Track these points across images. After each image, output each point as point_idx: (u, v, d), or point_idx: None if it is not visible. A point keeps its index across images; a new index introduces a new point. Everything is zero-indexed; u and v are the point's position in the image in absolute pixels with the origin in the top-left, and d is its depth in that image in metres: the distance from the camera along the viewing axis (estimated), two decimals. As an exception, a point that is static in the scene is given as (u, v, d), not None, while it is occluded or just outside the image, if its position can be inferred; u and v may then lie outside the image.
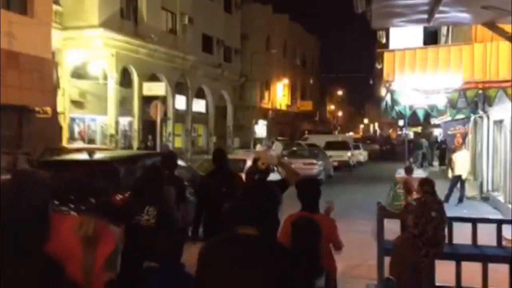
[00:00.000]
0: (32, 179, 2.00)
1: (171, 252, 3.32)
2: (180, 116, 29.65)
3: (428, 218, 4.71)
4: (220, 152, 5.76)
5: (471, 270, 5.71)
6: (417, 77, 9.37)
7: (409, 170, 11.00)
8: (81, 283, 2.06)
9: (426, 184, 5.10)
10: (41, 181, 2.00)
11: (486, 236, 5.91)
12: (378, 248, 5.38)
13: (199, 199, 5.51)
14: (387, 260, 5.47)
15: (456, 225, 5.78)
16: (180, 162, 7.76)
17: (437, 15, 5.10)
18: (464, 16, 5.34)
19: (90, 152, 6.66)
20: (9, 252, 1.83)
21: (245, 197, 2.25)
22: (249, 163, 11.62)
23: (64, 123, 21.67)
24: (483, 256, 5.15)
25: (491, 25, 5.66)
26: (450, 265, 5.48)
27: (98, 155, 6.72)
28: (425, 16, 5.26)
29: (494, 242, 5.54)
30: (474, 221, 5.56)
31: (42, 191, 1.99)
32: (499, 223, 5.50)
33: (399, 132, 69.70)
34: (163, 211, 4.00)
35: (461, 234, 5.93)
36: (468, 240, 5.78)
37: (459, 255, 5.21)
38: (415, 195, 6.87)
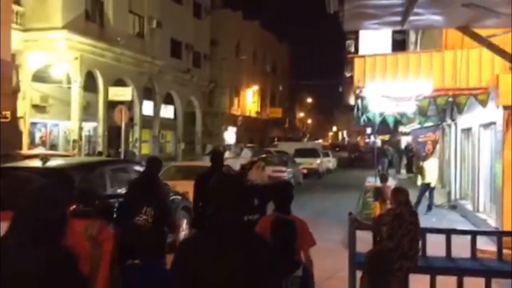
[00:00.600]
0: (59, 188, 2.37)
1: (154, 249, 3.79)
2: (147, 122, 29.02)
3: (405, 231, 4.46)
4: (219, 154, 6.60)
5: (445, 283, 5.50)
6: (387, 83, 9.22)
7: (383, 178, 10.80)
8: (88, 276, 2.49)
9: (400, 194, 4.86)
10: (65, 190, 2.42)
11: (457, 246, 5.73)
12: (350, 261, 5.10)
13: (197, 197, 5.90)
14: (358, 273, 5.21)
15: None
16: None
17: (411, 18, 4.90)
18: (438, 19, 5.16)
19: (43, 159, 6.17)
20: (38, 242, 2.15)
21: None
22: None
23: (24, 128, 20.81)
24: (459, 269, 4.93)
25: (465, 29, 5.49)
26: (424, 278, 5.25)
27: (51, 162, 6.23)
28: (399, 18, 5.05)
29: (464, 253, 5.36)
30: (448, 233, 5.35)
31: (65, 197, 2.36)
32: (474, 234, 5.30)
33: (367, 140, 70.55)
34: (160, 211, 4.20)
35: (431, 244, 5.72)
36: (439, 250, 5.58)
37: (433, 268, 4.97)
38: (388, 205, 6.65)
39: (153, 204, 4.15)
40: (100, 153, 22.61)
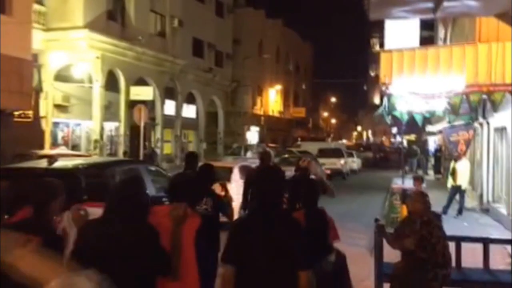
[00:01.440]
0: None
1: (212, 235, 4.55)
2: (169, 122, 28.86)
3: (436, 239, 3.98)
4: (268, 153, 7.59)
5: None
6: (416, 79, 8.67)
7: (419, 180, 9.98)
8: (168, 252, 2.94)
9: (426, 199, 4.36)
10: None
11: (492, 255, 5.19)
12: (376, 272, 4.62)
13: (246, 187, 7.19)
14: (386, 285, 4.74)
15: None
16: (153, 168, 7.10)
17: (445, 3, 4.39)
18: (475, 4, 4.64)
19: (50, 159, 5.87)
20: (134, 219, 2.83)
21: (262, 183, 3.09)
22: (235, 171, 10.89)
23: (47, 127, 20.83)
24: (499, 283, 4.40)
25: (504, 17, 4.95)
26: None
27: (59, 163, 5.93)
28: (431, 4, 4.55)
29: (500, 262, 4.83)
30: (486, 242, 4.81)
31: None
32: (516, 244, 4.76)
33: (393, 140, 69.29)
34: (218, 202, 4.90)
35: (464, 250, 5.19)
36: (472, 259, 5.06)
37: (470, 282, 4.46)
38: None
39: (211, 195, 4.82)
40: (125, 153, 22.52)
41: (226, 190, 5.53)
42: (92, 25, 21.11)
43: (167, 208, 3.25)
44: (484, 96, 8.66)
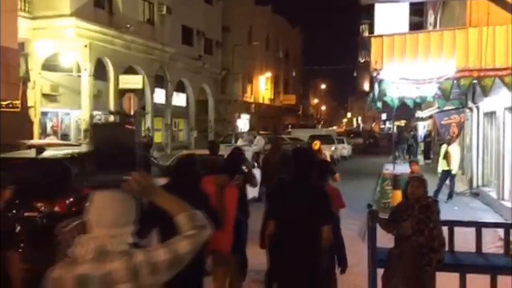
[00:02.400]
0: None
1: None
2: (159, 110, 28.69)
3: (434, 224, 3.99)
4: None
5: (474, 281, 5.01)
6: (406, 65, 8.65)
7: (416, 163, 10.01)
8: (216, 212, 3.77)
9: (424, 184, 4.36)
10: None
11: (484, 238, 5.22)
12: (370, 258, 4.63)
13: (264, 165, 9.79)
14: (379, 271, 4.75)
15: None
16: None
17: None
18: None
19: (39, 149, 5.79)
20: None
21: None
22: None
23: (35, 117, 20.60)
24: (492, 267, 4.43)
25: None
26: (450, 274, 4.76)
27: (48, 153, 5.85)
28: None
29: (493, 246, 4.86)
30: (478, 226, 4.84)
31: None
32: (507, 227, 4.78)
33: (382, 126, 69.53)
34: (246, 176, 6.08)
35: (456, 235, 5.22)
36: (464, 243, 5.09)
37: (463, 266, 4.48)
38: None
39: (241, 173, 5.82)
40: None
41: (250, 170, 7.67)
42: (79, 13, 20.80)
43: (212, 178, 4.42)
44: (475, 81, 8.67)
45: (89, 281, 2.02)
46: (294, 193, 4.05)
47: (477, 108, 13.54)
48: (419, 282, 4.05)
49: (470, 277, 4.69)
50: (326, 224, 4.04)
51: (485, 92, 8.92)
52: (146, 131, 25.78)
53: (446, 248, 4.50)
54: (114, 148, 4.61)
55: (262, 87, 46.36)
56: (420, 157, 26.61)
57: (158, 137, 29.20)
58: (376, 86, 9.51)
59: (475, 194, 13.42)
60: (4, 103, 16.99)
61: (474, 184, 13.98)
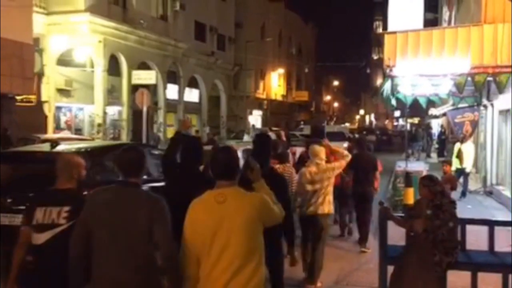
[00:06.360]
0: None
1: None
2: (172, 106, 28.78)
3: (442, 222, 3.96)
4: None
5: (486, 280, 4.98)
6: (420, 61, 8.56)
7: (448, 165, 9.94)
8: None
9: (437, 182, 4.32)
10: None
11: (498, 237, 5.17)
12: (380, 255, 4.62)
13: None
14: (390, 268, 4.73)
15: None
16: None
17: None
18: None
19: (53, 143, 5.85)
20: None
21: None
22: (240, 155, 11.07)
23: (49, 112, 20.80)
24: (504, 266, 4.39)
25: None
26: (463, 274, 4.73)
27: (61, 147, 5.91)
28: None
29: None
30: (491, 225, 4.80)
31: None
32: (521, 226, 4.73)
33: (396, 123, 69.00)
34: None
35: (469, 234, 5.18)
36: (477, 242, 5.05)
37: (475, 264, 4.45)
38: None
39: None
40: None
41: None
42: (93, 9, 20.92)
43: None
44: (489, 78, 8.57)
45: None
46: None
47: (492, 105, 13.39)
48: (424, 281, 4.03)
49: (481, 275, 4.65)
50: None
51: (500, 89, 8.80)
52: (152, 131, 25.87)
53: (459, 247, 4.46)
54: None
55: (275, 83, 46.27)
56: (434, 155, 26.42)
57: (170, 133, 29.30)
58: (388, 83, 9.45)
59: (489, 193, 13.29)
60: (19, 97, 17.19)
61: (488, 183, 13.84)
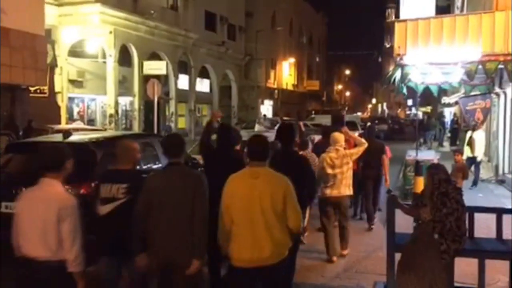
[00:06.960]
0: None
1: None
2: (183, 96, 28.90)
3: (450, 210, 3.98)
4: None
5: (493, 267, 5.00)
6: (431, 49, 8.51)
7: (459, 154, 10.04)
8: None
9: (442, 171, 4.33)
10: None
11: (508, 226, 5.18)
12: (388, 243, 4.66)
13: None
14: (397, 255, 4.76)
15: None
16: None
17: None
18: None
19: (66, 133, 5.95)
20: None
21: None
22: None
23: (62, 103, 21.03)
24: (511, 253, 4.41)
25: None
26: (471, 261, 4.76)
27: (74, 137, 6.01)
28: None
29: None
30: (499, 212, 4.80)
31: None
32: (529, 214, 4.74)
33: (408, 112, 68.50)
34: None
35: (479, 223, 5.19)
36: (487, 231, 5.06)
37: (483, 252, 4.47)
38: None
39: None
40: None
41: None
42: (103, 0, 21.02)
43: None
44: (501, 66, 8.49)
45: None
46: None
47: (504, 93, 13.25)
48: (432, 269, 4.06)
49: (490, 263, 4.68)
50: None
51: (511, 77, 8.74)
52: (169, 118, 26.01)
53: (467, 235, 4.48)
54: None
55: (286, 73, 46.14)
56: (446, 144, 26.24)
57: (181, 123, 29.45)
58: (398, 71, 9.40)
59: (501, 181, 13.19)
60: (32, 89, 17.40)
61: (500, 171, 13.75)
